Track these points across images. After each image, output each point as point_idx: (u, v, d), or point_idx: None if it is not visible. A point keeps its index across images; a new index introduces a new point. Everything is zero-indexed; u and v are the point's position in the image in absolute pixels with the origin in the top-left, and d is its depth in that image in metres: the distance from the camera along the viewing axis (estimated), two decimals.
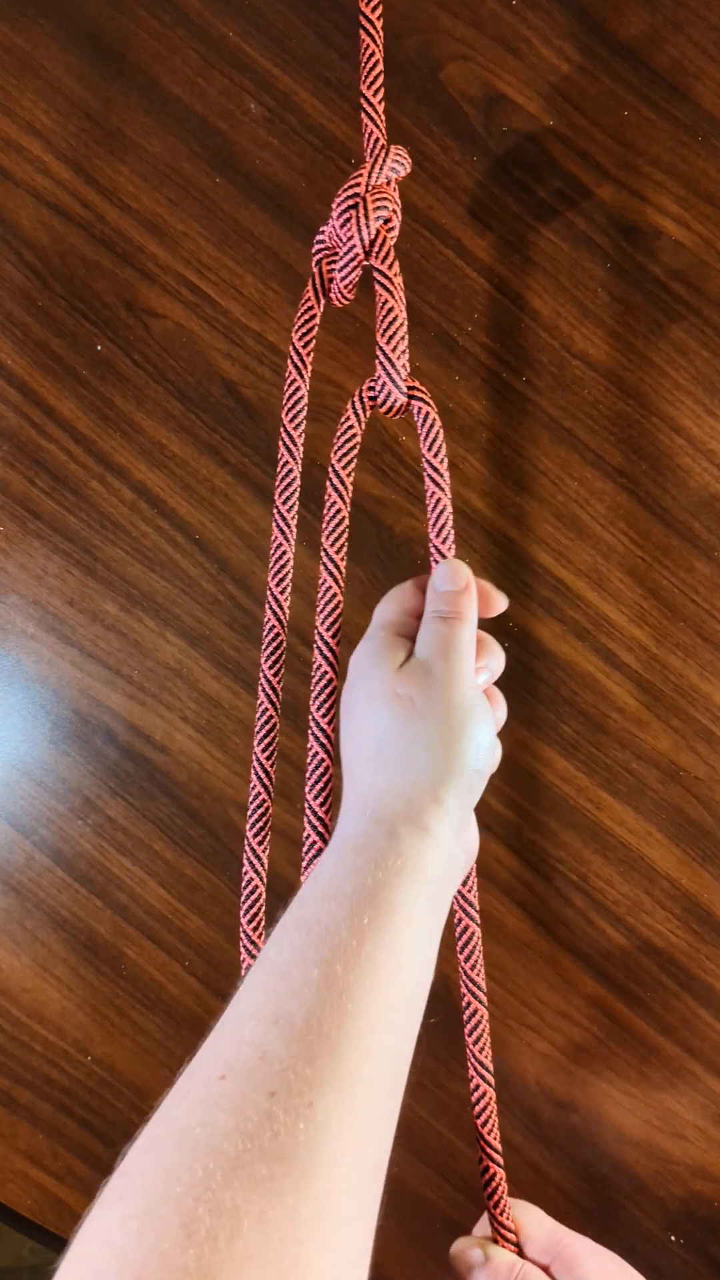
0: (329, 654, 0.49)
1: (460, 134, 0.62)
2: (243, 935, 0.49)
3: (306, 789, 0.48)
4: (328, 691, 0.48)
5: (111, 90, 0.62)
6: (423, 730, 0.43)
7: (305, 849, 0.48)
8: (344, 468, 0.50)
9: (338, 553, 0.49)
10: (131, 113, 0.62)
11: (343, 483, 0.50)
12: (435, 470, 0.50)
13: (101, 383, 0.62)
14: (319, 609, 0.49)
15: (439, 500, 0.50)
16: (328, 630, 0.49)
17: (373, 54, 0.53)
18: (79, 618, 0.62)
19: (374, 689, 0.44)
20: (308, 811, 0.48)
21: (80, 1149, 0.62)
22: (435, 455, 0.50)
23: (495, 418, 0.62)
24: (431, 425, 0.50)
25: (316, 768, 0.48)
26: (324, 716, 0.48)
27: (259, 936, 0.49)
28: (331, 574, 0.49)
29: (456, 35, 0.62)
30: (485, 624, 0.62)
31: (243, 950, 0.49)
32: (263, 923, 0.49)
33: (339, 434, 0.50)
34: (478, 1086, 0.52)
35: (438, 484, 0.50)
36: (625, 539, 0.62)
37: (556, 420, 0.62)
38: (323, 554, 0.49)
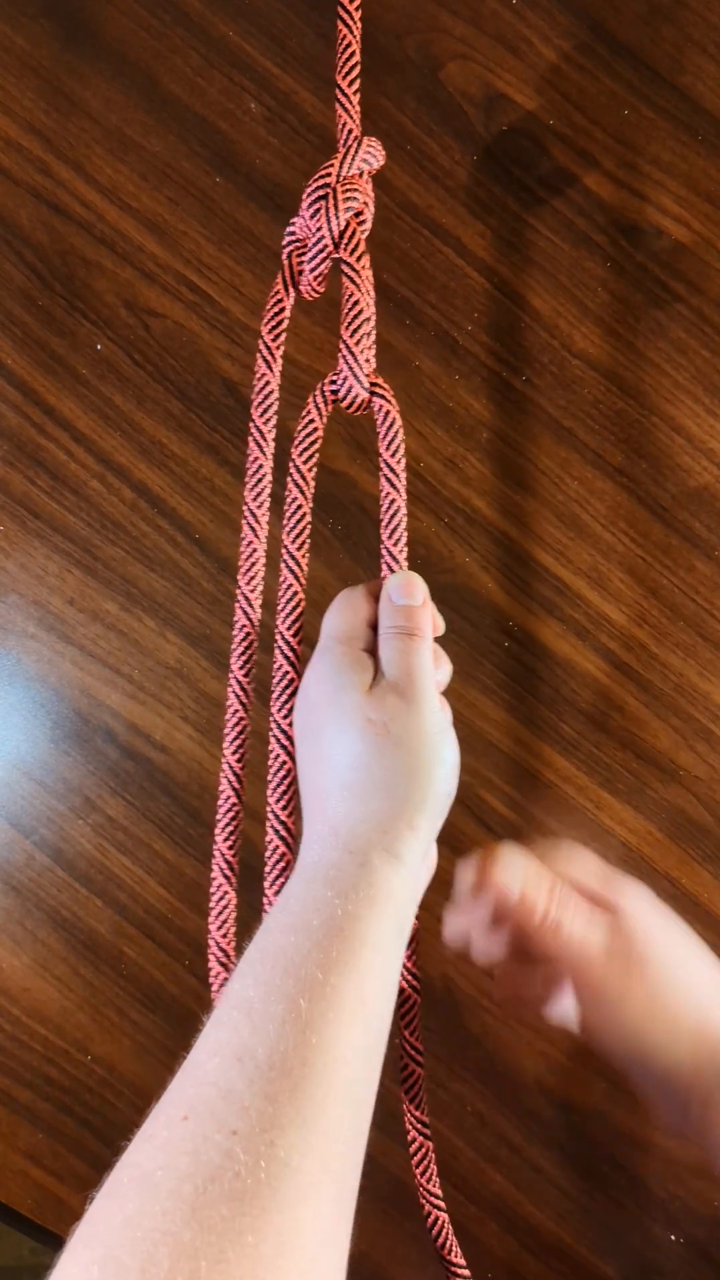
0: (290, 653, 0.47)
1: (460, 133, 0.62)
2: (212, 943, 0.48)
3: (269, 792, 0.47)
4: (289, 692, 0.47)
5: (112, 90, 0.62)
6: (398, 758, 0.42)
7: (269, 853, 0.47)
8: (305, 463, 0.48)
9: (299, 549, 0.48)
10: (131, 113, 0.62)
11: (304, 478, 0.48)
12: (392, 470, 0.49)
13: (101, 382, 0.62)
14: (280, 607, 0.47)
15: (393, 501, 0.48)
16: (289, 629, 0.48)
17: (349, 44, 0.52)
18: (79, 617, 0.62)
19: (344, 714, 0.43)
20: (270, 817, 0.47)
21: (80, 1148, 0.62)
22: (393, 455, 0.49)
23: (495, 418, 0.62)
24: (391, 424, 0.49)
25: (279, 770, 0.47)
26: (284, 718, 0.47)
27: (229, 945, 0.48)
28: (292, 571, 0.48)
29: (456, 35, 0.62)
30: (487, 623, 0.62)
31: (212, 959, 0.49)
32: (232, 929, 0.48)
33: (300, 428, 0.48)
34: (414, 1140, 0.52)
35: (393, 484, 0.49)
36: (625, 539, 0.62)
37: (556, 420, 0.62)
38: (283, 551, 0.48)
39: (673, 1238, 0.63)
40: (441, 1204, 0.52)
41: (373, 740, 0.42)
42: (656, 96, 0.62)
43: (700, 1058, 0.41)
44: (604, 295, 0.62)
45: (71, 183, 0.62)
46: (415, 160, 0.62)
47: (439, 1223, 0.52)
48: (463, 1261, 0.53)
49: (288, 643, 0.48)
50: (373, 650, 0.45)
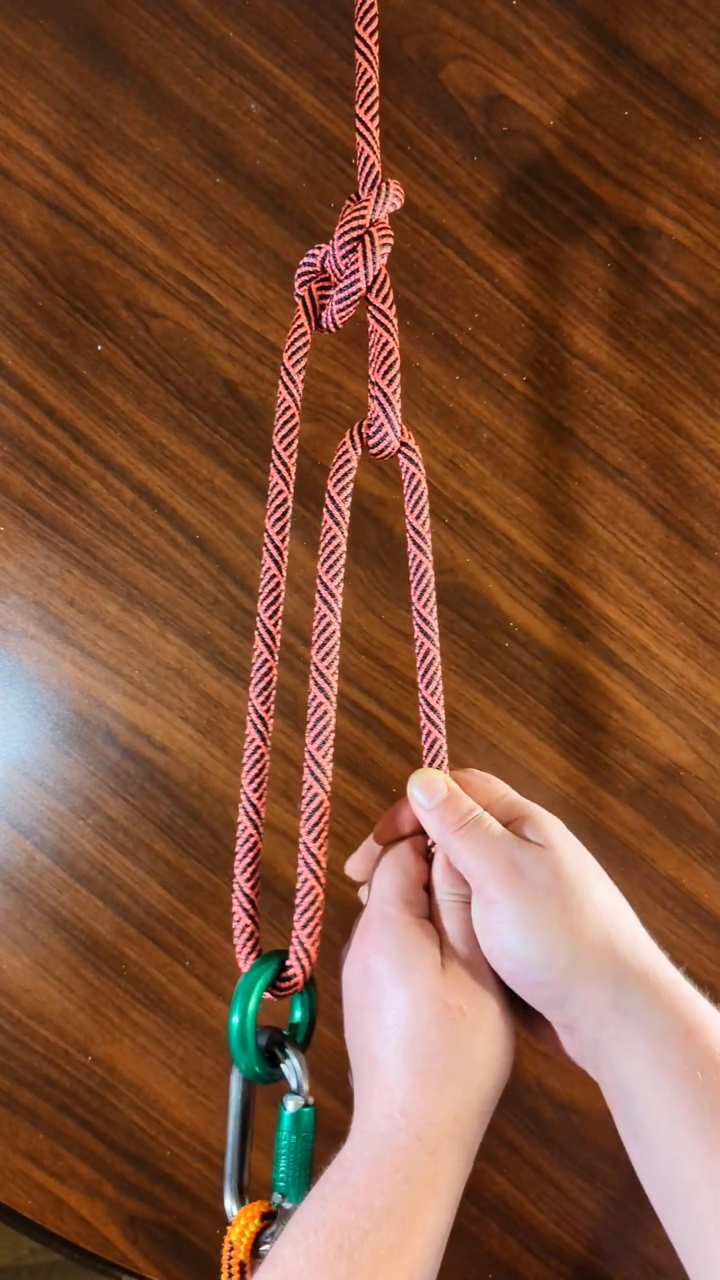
0: (324, 685, 0.46)
1: (460, 134, 0.62)
2: (236, 889, 0.47)
3: (302, 823, 0.46)
4: (323, 724, 0.46)
5: (111, 90, 0.62)
6: (476, 1044, 0.41)
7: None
8: (340, 493, 0.48)
9: (333, 579, 0.47)
10: (131, 113, 0.62)
11: (339, 510, 0.48)
12: (418, 534, 0.49)
13: (102, 383, 0.62)
14: (314, 636, 0.47)
15: (421, 564, 0.48)
16: (323, 661, 0.47)
17: (368, 75, 0.52)
18: (79, 618, 0.62)
19: (418, 997, 0.42)
20: (303, 849, 0.45)
21: (80, 1149, 0.62)
22: (418, 518, 0.49)
23: (495, 418, 0.62)
24: (417, 487, 0.49)
25: (311, 801, 0.46)
26: (321, 752, 0.46)
27: (253, 890, 0.47)
28: (326, 601, 0.47)
29: (457, 35, 0.62)
30: (487, 623, 0.62)
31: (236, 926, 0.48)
32: (259, 876, 0.47)
33: (335, 464, 0.48)
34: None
35: (420, 547, 0.48)
36: (625, 539, 0.62)
37: (556, 420, 0.62)
38: (319, 584, 0.47)
39: None
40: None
41: (449, 1026, 0.41)
42: (656, 96, 0.62)
43: (600, 975, 0.41)
44: (604, 295, 0.62)
45: (72, 183, 0.62)
46: (415, 160, 0.62)
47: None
48: None
49: (322, 674, 0.47)
50: (429, 916, 0.45)
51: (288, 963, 0.45)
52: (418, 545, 0.49)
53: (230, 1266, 0.42)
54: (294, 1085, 0.44)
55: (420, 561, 0.49)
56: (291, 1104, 0.44)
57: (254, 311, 0.62)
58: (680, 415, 0.62)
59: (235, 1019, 0.44)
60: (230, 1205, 0.45)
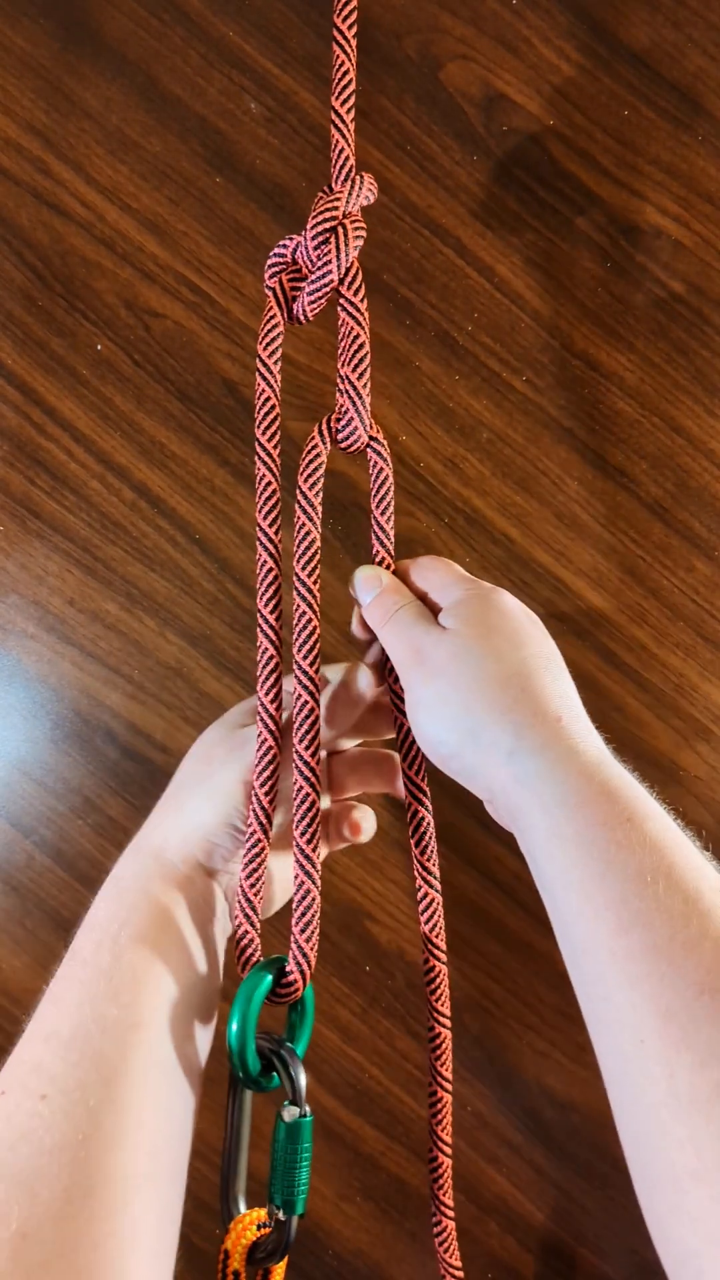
0: (308, 683, 0.46)
1: (460, 134, 0.62)
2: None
3: (293, 825, 0.46)
4: (310, 722, 0.46)
5: (112, 90, 0.62)
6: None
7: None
8: (311, 488, 0.48)
9: (310, 576, 0.47)
10: (131, 113, 0.62)
11: (312, 505, 0.48)
12: (382, 529, 0.49)
13: (102, 383, 0.62)
14: (295, 636, 0.47)
15: (383, 560, 0.49)
16: (305, 659, 0.47)
17: (345, 69, 0.51)
18: (79, 617, 0.62)
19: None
20: (296, 852, 0.45)
21: None
22: (383, 514, 0.49)
23: (495, 418, 0.62)
24: (384, 481, 0.49)
25: (303, 803, 0.47)
26: (305, 747, 0.46)
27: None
28: (305, 599, 0.47)
29: (456, 35, 0.62)
30: None
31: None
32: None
33: (304, 458, 0.48)
34: (435, 1031, 0.51)
35: (383, 544, 0.49)
36: (625, 539, 0.62)
37: (556, 420, 0.62)
38: (295, 580, 0.47)
39: None
40: (448, 1150, 0.52)
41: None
42: (656, 96, 0.62)
43: (495, 749, 0.42)
44: (604, 295, 0.62)
45: (72, 183, 0.62)
46: (415, 160, 0.62)
47: (442, 1167, 0.51)
48: (458, 1263, 0.53)
49: (304, 671, 0.47)
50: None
51: (287, 968, 0.45)
52: (381, 541, 0.49)
53: (225, 1276, 0.42)
54: (291, 1095, 0.44)
55: (382, 558, 0.49)
56: (289, 1114, 0.43)
57: (254, 311, 0.62)
58: (680, 415, 0.62)
59: (234, 1026, 0.43)
60: (225, 1214, 0.44)
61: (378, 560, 0.49)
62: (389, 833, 0.62)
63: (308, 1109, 0.43)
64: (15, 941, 0.63)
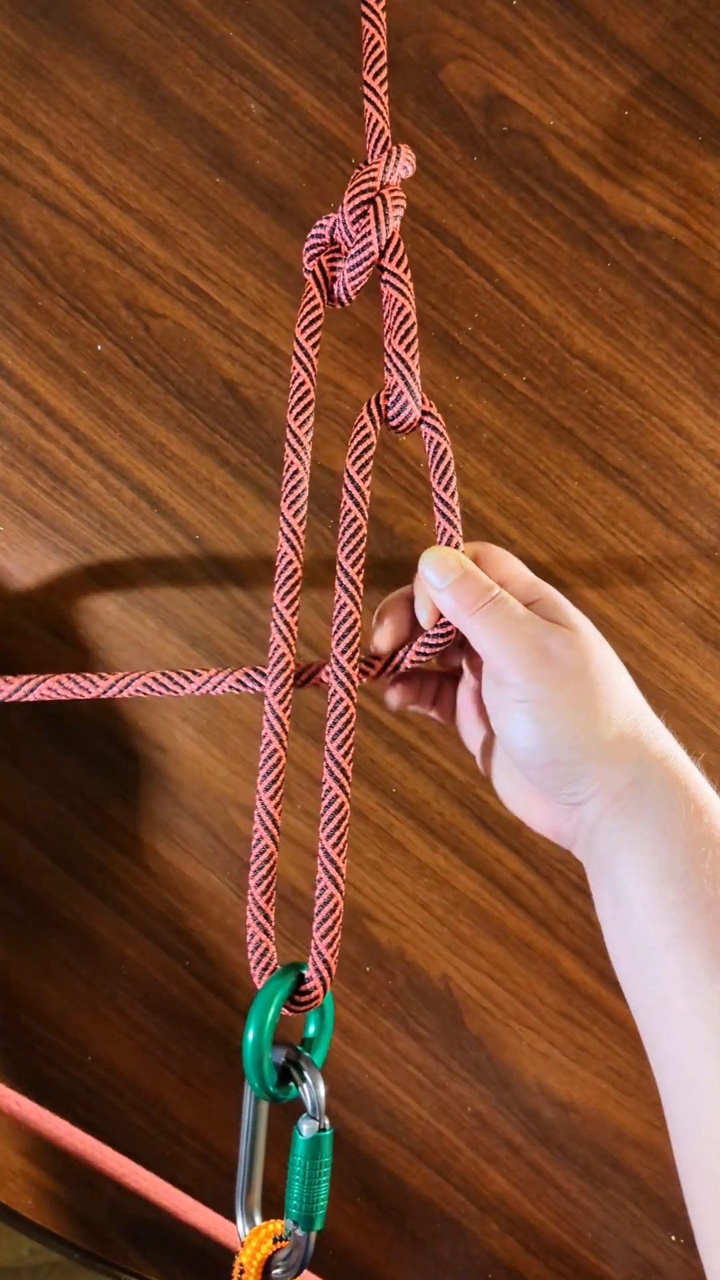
0: (345, 681, 0.44)
1: (460, 134, 0.62)
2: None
3: (321, 828, 0.43)
4: (346, 724, 0.44)
5: (111, 90, 0.62)
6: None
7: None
8: (360, 473, 0.46)
9: (353, 566, 0.45)
10: (131, 113, 0.62)
11: (360, 491, 0.46)
12: (446, 505, 0.46)
13: (102, 383, 0.62)
14: (334, 630, 0.45)
15: (451, 538, 0.46)
16: (343, 654, 0.45)
17: (376, 43, 0.50)
18: (79, 617, 0.62)
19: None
20: (321, 855, 0.43)
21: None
22: (446, 489, 0.46)
23: (495, 418, 0.62)
24: (442, 457, 0.46)
25: (331, 804, 0.44)
26: (340, 750, 0.44)
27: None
28: (347, 590, 0.45)
29: (457, 35, 0.62)
30: None
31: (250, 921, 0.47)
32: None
33: (353, 440, 0.46)
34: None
35: (449, 519, 0.46)
36: (625, 539, 0.62)
37: (556, 420, 0.62)
38: (339, 571, 0.46)
39: (673, 1238, 0.63)
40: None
41: None
42: (656, 96, 0.62)
43: (624, 758, 0.42)
44: (604, 295, 0.62)
45: (72, 183, 0.62)
46: (415, 160, 0.62)
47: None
48: None
49: (342, 668, 0.44)
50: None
51: (306, 974, 0.43)
52: (447, 518, 0.46)
53: None
54: (310, 1108, 0.42)
55: (451, 536, 0.46)
56: (307, 1128, 0.41)
57: (254, 311, 0.62)
58: (680, 415, 0.62)
59: (251, 1035, 0.41)
60: (241, 1226, 0.42)
61: (446, 540, 0.46)
62: (388, 833, 0.62)
63: (327, 1122, 0.41)
64: (15, 941, 0.63)
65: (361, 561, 0.46)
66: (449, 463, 0.47)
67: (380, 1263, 0.62)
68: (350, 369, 0.62)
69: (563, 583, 0.62)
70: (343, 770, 0.44)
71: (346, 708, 0.44)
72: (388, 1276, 0.63)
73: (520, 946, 0.62)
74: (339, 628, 0.45)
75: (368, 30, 0.51)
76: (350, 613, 0.45)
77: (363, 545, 0.46)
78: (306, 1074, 0.41)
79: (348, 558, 0.45)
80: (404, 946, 0.62)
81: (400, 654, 0.47)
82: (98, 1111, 0.62)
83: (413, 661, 0.47)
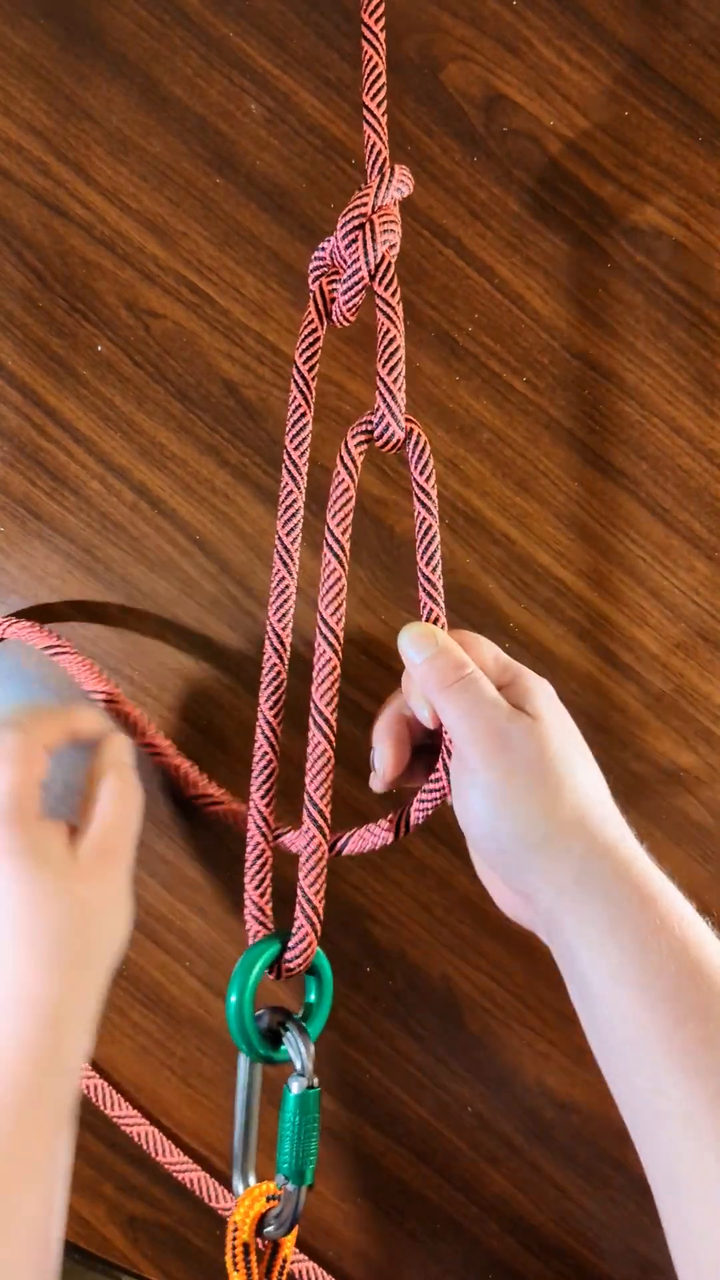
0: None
1: (460, 134, 0.62)
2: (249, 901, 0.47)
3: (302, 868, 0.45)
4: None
5: (111, 91, 0.62)
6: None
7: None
8: (337, 522, 0.48)
9: (333, 616, 0.47)
10: (131, 113, 0.62)
11: (339, 539, 0.48)
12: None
13: (102, 383, 0.62)
14: (316, 674, 0.46)
15: (429, 526, 0.48)
16: (324, 703, 0.47)
17: (375, 64, 0.51)
18: (79, 618, 0.62)
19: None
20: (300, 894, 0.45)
21: (81, 1149, 0.62)
22: (430, 565, 0.48)
23: (495, 418, 0.62)
24: (427, 531, 0.48)
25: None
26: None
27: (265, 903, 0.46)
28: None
29: (457, 35, 0.62)
30: (487, 624, 0.62)
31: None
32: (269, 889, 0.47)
33: (334, 484, 0.48)
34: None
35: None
36: (625, 539, 0.62)
37: (556, 420, 0.62)
38: (318, 618, 0.47)
39: None
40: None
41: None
42: (656, 96, 0.62)
43: (568, 853, 0.42)
44: (604, 295, 0.62)
45: (72, 184, 0.62)
46: (415, 161, 0.62)
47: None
48: None
49: (323, 716, 0.46)
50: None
51: (293, 930, 0.44)
52: (429, 594, 0.48)
53: (235, 1248, 0.42)
54: (298, 1066, 0.43)
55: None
56: (296, 1085, 0.43)
57: (254, 311, 0.62)
58: (681, 416, 0.62)
59: (233, 997, 0.43)
60: (237, 1186, 0.44)
61: (429, 616, 0.48)
62: None
63: (315, 1080, 0.43)
64: None
65: (341, 607, 0.47)
66: (434, 537, 0.48)
67: (380, 1263, 0.63)
68: (351, 369, 0.62)
69: (563, 583, 0.62)
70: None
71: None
72: (388, 1276, 0.63)
73: (521, 948, 0.62)
74: (319, 673, 0.47)
75: (367, 52, 0.51)
76: (330, 661, 0.47)
77: (340, 582, 0.47)
78: (293, 1033, 0.43)
79: (329, 608, 0.47)
80: (404, 947, 0.62)
81: (409, 809, 0.50)
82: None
83: (420, 816, 0.49)
